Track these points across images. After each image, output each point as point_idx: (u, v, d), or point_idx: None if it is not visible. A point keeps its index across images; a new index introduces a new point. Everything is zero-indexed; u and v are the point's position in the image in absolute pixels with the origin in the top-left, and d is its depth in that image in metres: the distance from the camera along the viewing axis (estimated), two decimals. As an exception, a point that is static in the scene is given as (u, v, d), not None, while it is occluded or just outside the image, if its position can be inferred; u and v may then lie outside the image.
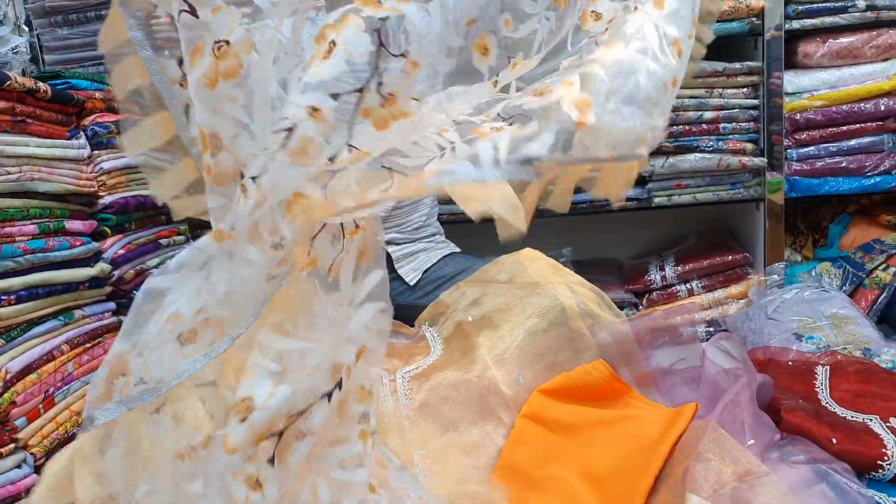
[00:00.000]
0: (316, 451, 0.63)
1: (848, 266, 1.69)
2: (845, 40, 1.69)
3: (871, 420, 1.05)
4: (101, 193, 1.36)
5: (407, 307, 1.32)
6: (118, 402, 0.59)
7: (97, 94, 1.43)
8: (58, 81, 1.35)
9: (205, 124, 0.58)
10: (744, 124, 1.75)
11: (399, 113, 0.59)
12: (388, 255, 1.41)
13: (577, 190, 0.79)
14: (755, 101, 1.74)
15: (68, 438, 1.12)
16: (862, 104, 1.71)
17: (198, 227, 1.85)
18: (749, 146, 1.75)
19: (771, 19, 1.69)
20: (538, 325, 1.14)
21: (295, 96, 0.55)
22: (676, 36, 0.86)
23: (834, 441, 0.96)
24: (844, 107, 1.72)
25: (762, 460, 0.87)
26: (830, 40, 1.70)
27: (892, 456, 0.92)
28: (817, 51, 1.71)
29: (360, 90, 0.56)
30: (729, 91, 1.74)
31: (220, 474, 0.58)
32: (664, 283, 1.82)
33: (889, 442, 0.95)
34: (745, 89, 1.74)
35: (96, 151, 1.36)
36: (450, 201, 0.96)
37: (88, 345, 1.22)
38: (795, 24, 1.70)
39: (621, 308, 1.78)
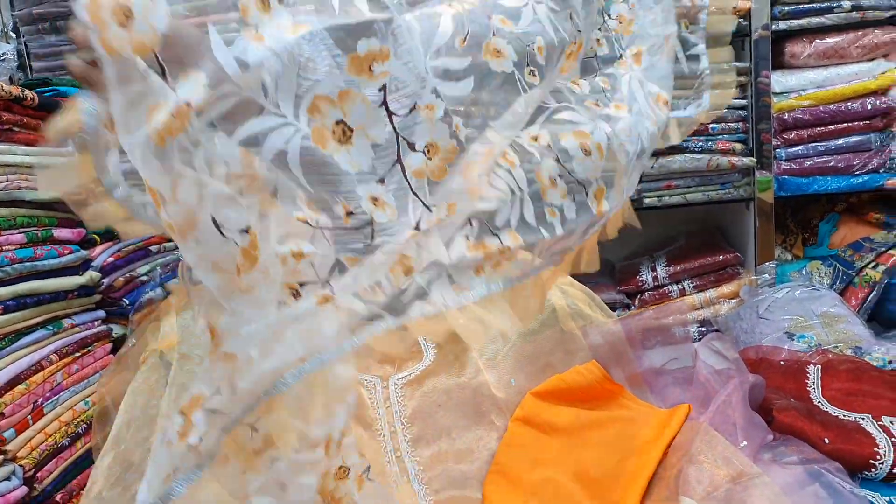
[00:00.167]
0: None
1: (838, 264, 1.70)
2: (831, 40, 1.70)
3: (863, 419, 1.06)
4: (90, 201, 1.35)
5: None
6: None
7: (84, 101, 1.42)
8: (45, 89, 1.34)
9: (151, 180, 0.56)
10: (732, 124, 1.76)
11: (447, 154, 0.63)
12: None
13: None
14: (743, 102, 1.75)
15: (58, 450, 1.11)
16: (849, 103, 1.72)
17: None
18: (738, 146, 1.75)
19: (758, 20, 1.70)
20: (529, 327, 1.14)
21: (356, 188, 0.59)
22: (659, 93, 0.93)
23: (826, 441, 0.96)
24: (832, 106, 1.73)
25: (755, 461, 0.87)
26: (817, 40, 1.71)
27: (885, 455, 0.93)
28: (804, 51, 1.71)
29: (398, 161, 0.60)
30: (717, 91, 1.74)
31: None
32: (656, 283, 1.82)
33: (881, 441, 0.96)
34: (734, 90, 1.75)
35: (84, 159, 1.35)
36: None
37: (78, 354, 1.21)
38: (782, 25, 1.70)
39: (613, 309, 1.78)
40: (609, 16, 0.98)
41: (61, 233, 1.23)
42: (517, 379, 1.09)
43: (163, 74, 0.52)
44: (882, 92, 1.72)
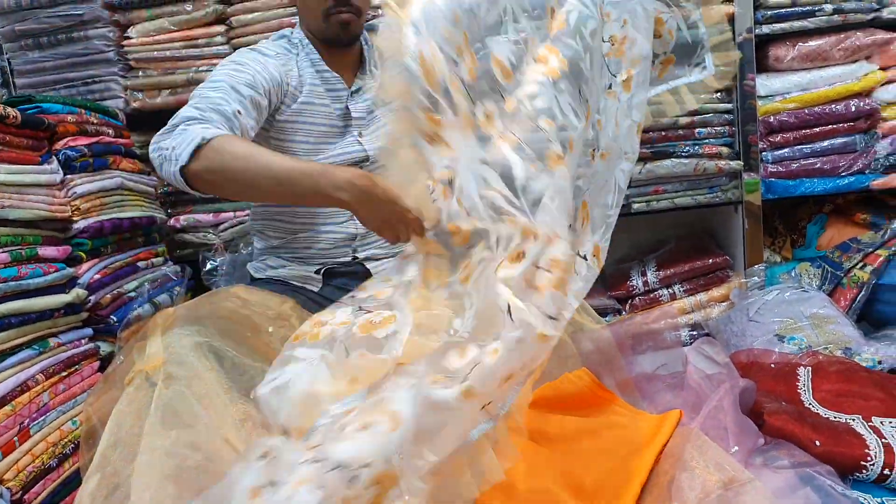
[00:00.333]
0: None
1: (826, 266, 1.70)
2: (814, 43, 1.71)
3: (853, 420, 1.06)
4: (74, 218, 1.34)
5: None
6: None
7: (69, 118, 1.41)
8: (28, 106, 1.34)
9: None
10: (718, 128, 1.76)
11: None
12: (368, 271, 1.40)
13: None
14: (729, 106, 1.76)
15: (45, 471, 1.10)
16: (833, 105, 1.73)
17: (176, 249, 1.83)
18: (725, 150, 1.76)
19: (741, 24, 1.71)
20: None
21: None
22: (639, 122, 0.98)
23: (817, 443, 0.96)
24: (816, 109, 1.74)
25: (746, 466, 0.86)
26: (800, 44, 1.72)
27: (875, 456, 0.93)
28: (788, 54, 1.73)
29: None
30: (702, 96, 1.75)
31: None
32: (646, 288, 1.83)
33: (871, 442, 0.96)
34: (719, 94, 1.76)
35: (69, 176, 1.35)
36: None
37: (64, 373, 1.20)
38: (765, 29, 1.72)
39: (605, 314, 1.79)
40: (603, 39, 0.99)
41: (46, 251, 1.22)
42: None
43: None
44: (865, 94, 1.73)
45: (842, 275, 1.63)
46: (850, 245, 1.68)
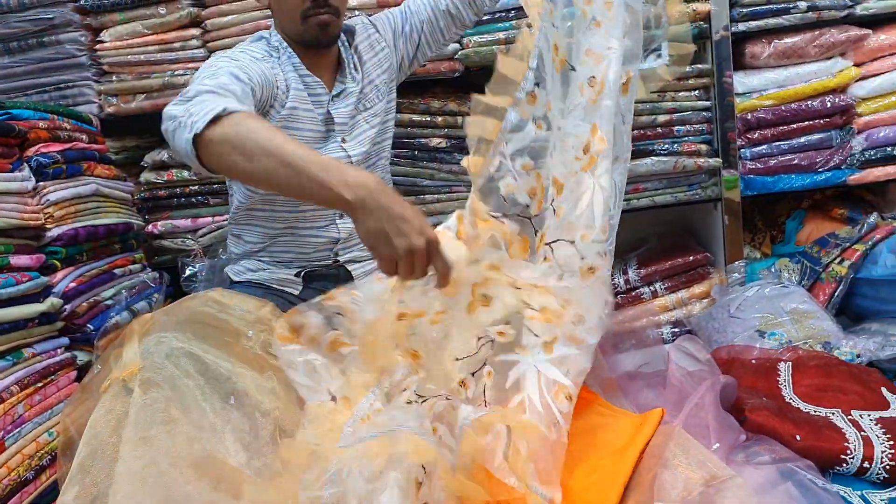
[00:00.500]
0: None
1: (805, 261, 1.72)
2: (790, 40, 1.72)
3: (833, 414, 1.07)
4: (48, 226, 1.31)
5: (370, 326, 1.30)
6: None
7: (41, 124, 1.39)
8: (-2, 112, 1.31)
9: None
10: (697, 126, 1.77)
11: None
12: (349, 274, 1.39)
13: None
14: (707, 103, 1.77)
15: (21, 484, 1.08)
16: (809, 102, 1.75)
17: (154, 256, 1.81)
18: (704, 147, 1.77)
19: (718, 22, 1.72)
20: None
21: None
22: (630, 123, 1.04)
23: (798, 438, 0.97)
24: (793, 105, 1.75)
25: (728, 463, 0.87)
26: (776, 41, 1.73)
27: (855, 450, 0.94)
28: (764, 51, 1.74)
29: None
30: (681, 94, 1.77)
31: None
32: (628, 286, 1.83)
33: (851, 436, 0.97)
34: (697, 91, 1.77)
35: (42, 183, 1.32)
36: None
37: (40, 384, 1.18)
38: (741, 27, 1.73)
39: (587, 314, 1.78)
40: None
41: (19, 259, 1.19)
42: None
43: None
44: (840, 90, 1.75)
45: (820, 270, 1.64)
46: (829, 240, 1.70)
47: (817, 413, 1.07)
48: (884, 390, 1.15)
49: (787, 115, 1.76)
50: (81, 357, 1.30)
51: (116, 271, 1.51)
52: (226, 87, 1.05)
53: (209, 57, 1.53)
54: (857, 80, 1.75)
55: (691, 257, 1.82)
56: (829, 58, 1.74)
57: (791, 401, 1.14)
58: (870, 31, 1.72)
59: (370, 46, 1.40)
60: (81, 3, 1.71)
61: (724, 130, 1.76)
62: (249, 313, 1.16)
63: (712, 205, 1.84)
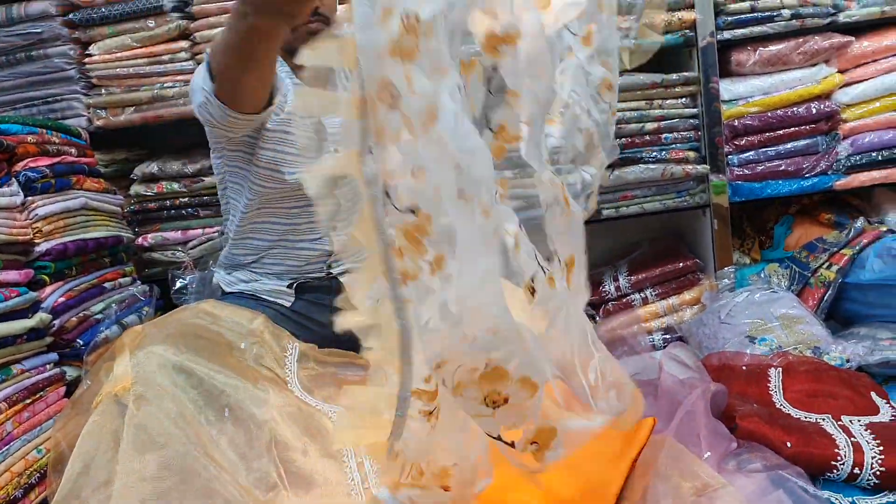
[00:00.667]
0: None
1: (794, 266, 1.73)
2: (774, 48, 1.74)
3: (823, 420, 1.07)
4: (37, 240, 1.31)
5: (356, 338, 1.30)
6: None
7: (29, 139, 1.38)
8: (-18, 126, 1.31)
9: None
10: (685, 133, 1.79)
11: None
12: (342, 285, 1.39)
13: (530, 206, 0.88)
14: (694, 111, 1.78)
15: (10, 502, 1.07)
16: (795, 108, 1.76)
17: (144, 268, 1.80)
18: (691, 154, 1.79)
19: (703, 30, 1.74)
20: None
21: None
22: (605, 76, 0.95)
23: (789, 444, 0.97)
24: (779, 111, 1.77)
25: (719, 471, 0.87)
26: (761, 48, 1.75)
27: (845, 456, 0.94)
28: (749, 59, 1.76)
29: None
30: (668, 102, 1.78)
31: None
32: (619, 293, 1.84)
33: (841, 442, 0.97)
34: (684, 99, 1.78)
35: (30, 197, 1.32)
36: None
37: (28, 401, 1.17)
38: (727, 35, 1.75)
39: (579, 321, 1.79)
40: None
41: (7, 275, 1.19)
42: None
43: None
44: (825, 96, 1.77)
45: (809, 275, 1.65)
46: (817, 245, 1.71)
47: (808, 419, 1.08)
48: (873, 395, 1.16)
49: (773, 122, 1.77)
50: (70, 373, 1.29)
51: (106, 285, 1.50)
52: None
53: (198, 69, 1.53)
54: (841, 87, 1.76)
55: (681, 264, 1.83)
56: (814, 65, 1.76)
57: (781, 406, 1.15)
58: (853, 39, 1.74)
59: None
60: (70, 17, 1.71)
61: (712, 136, 1.78)
62: (241, 325, 1.15)
63: (701, 211, 1.85)
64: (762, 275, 1.79)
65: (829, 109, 1.75)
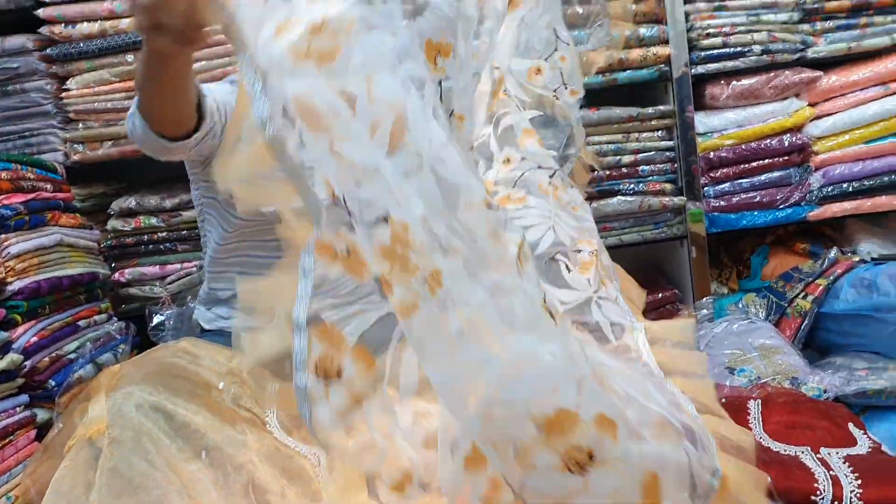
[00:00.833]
0: None
1: (771, 296, 1.75)
2: (747, 82, 1.78)
3: (802, 452, 1.08)
4: (9, 279, 1.29)
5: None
6: None
7: (3, 175, 1.37)
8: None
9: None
10: (661, 166, 1.82)
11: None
12: (320, 321, 1.38)
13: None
14: (670, 143, 1.82)
15: (-22, 551, 1.03)
16: (768, 141, 1.80)
17: (121, 304, 1.77)
18: (668, 186, 1.81)
19: (678, 64, 1.78)
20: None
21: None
22: (572, 88, 1.03)
23: (768, 479, 0.97)
24: (753, 144, 1.81)
25: (701, 508, 0.87)
26: (734, 82, 1.79)
27: (825, 490, 0.95)
28: (723, 93, 1.80)
29: None
30: (644, 135, 1.81)
31: None
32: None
33: (820, 475, 0.98)
34: (660, 132, 1.82)
35: (3, 235, 1.30)
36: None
37: (-2, 445, 1.14)
38: (700, 69, 1.79)
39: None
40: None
41: (-22, 316, 1.17)
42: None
43: None
44: (797, 129, 1.81)
45: (786, 304, 1.67)
46: (793, 275, 1.73)
47: (787, 452, 1.09)
48: (850, 426, 1.17)
49: (747, 154, 1.81)
50: (41, 415, 1.25)
51: (80, 323, 1.48)
52: None
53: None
54: (811, 120, 1.81)
55: (660, 294, 1.84)
56: (785, 98, 1.80)
57: (761, 439, 1.15)
58: (821, 73, 1.78)
59: None
60: (48, 51, 1.70)
61: (688, 164, 1.81)
62: (221, 364, 1.14)
63: (678, 242, 1.87)
64: (740, 304, 1.81)
65: (801, 142, 1.79)
